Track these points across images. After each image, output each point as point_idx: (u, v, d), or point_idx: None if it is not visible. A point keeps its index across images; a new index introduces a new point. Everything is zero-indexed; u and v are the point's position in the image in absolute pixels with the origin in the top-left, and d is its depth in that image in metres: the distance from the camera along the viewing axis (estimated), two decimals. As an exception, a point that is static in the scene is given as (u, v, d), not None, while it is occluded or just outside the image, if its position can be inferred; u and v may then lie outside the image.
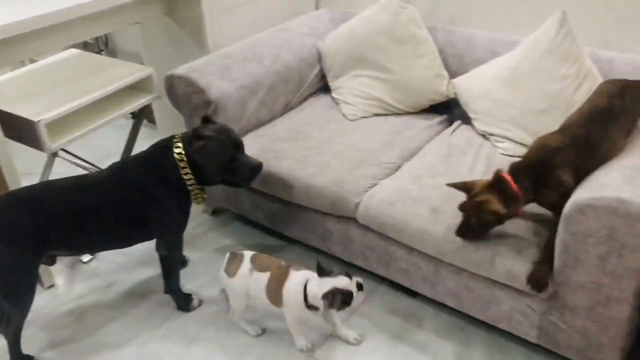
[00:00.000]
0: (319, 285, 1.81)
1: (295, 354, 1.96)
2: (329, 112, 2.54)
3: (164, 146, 1.95)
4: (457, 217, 1.84)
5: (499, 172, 1.73)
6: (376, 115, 2.50)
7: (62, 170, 2.96)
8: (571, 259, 1.62)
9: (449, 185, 1.82)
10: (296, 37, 2.62)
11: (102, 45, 3.59)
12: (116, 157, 2.75)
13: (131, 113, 2.54)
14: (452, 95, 2.41)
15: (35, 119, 2.06)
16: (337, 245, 2.18)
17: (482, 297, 1.86)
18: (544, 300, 1.73)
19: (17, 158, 3.04)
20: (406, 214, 1.92)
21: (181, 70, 2.30)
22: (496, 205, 1.67)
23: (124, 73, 2.42)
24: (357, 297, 1.81)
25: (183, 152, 1.91)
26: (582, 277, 1.62)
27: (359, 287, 1.83)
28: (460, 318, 2.05)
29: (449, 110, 2.49)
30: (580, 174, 1.67)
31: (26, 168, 3.05)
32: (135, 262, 2.39)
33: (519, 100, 2.14)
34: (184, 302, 2.14)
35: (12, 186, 2.07)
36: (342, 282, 1.80)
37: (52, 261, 1.97)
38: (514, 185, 1.69)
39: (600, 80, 2.05)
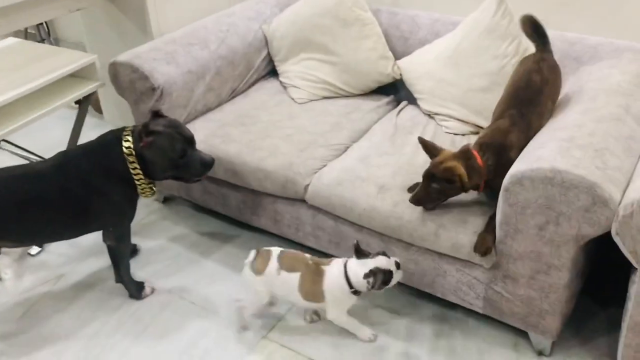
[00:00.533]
0: (359, 268, 1.80)
1: (246, 337, 1.97)
2: (277, 96, 2.54)
3: (113, 138, 1.91)
4: (403, 194, 1.89)
5: (467, 146, 1.79)
6: (324, 98, 2.52)
7: (7, 161, 2.90)
8: (511, 230, 1.68)
9: (420, 139, 1.84)
10: (241, 21, 2.61)
11: (44, 35, 3.50)
12: (63, 148, 2.70)
13: (76, 102, 2.49)
14: (397, 77, 2.45)
15: (-27, 109, 2.01)
16: (288, 227, 2.20)
17: (430, 271, 1.92)
18: (487, 271, 1.79)
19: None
20: (354, 192, 1.95)
21: (125, 56, 2.27)
22: (463, 172, 1.71)
23: (66, 61, 2.37)
24: (396, 275, 1.82)
25: (132, 146, 1.88)
26: (522, 247, 1.69)
27: (397, 265, 1.82)
28: (410, 294, 2.10)
29: (395, 91, 2.53)
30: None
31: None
32: (84, 253, 2.36)
33: (460, 79, 2.19)
34: (136, 290, 2.12)
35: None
36: (381, 261, 1.80)
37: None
38: (479, 160, 1.75)
39: (537, 57, 2.11)
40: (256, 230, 2.39)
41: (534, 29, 1.95)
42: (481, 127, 2.19)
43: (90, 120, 3.30)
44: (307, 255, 1.91)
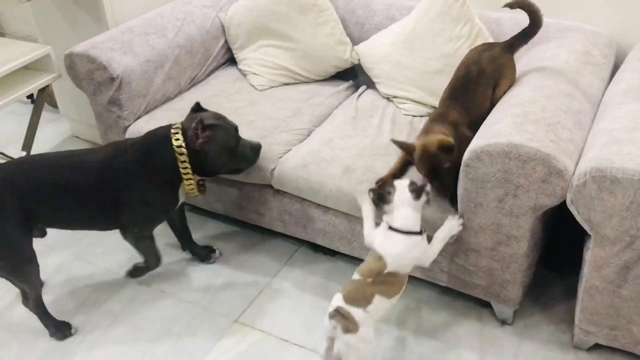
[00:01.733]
0: (405, 202, 1.67)
1: (217, 322, 1.99)
2: (237, 83, 2.55)
3: (161, 137, 1.88)
4: (367, 174, 1.94)
5: (427, 126, 1.89)
6: (284, 84, 2.54)
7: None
8: (472, 204, 1.75)
9: (393, 141, 1.88)
10: (197, 9, 2.60)
11: (-9, 28, 3.40)
12: (17, 144, 2.65)
13: (28, 96, 2.44)
14: (355, 62, 2.49)
15: None
16: (254, 213, 2.22)
17: (395, 248, 1.97)
18: (450, 245, 1.86)
19: None
20: (320, 175, 1.99)
21: (81, 47, 2.24)
22: (447, 137, 1.76)
23: (19, 52, 2.33)
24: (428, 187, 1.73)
25: (183, 144, 1.84)
26: (483, 220, 1.76)
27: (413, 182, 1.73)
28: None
29: (354, 76, 2.58)
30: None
31: None
32: (48, 247, 2.32)
33: (416, 62, 2.25)
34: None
35: None
36: (404, 183, 1.71)
37: (43, 233, 1.96)
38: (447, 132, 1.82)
39: (489, 39, 2.19)
40: (222, 217, 2.40)
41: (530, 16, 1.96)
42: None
43: (45, 114, 3.24)
44: (357, 276, 1.71)
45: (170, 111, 2.37)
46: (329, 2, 2.49)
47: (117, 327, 1.99)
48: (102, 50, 2.23)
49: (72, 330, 1.97)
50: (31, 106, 2.60)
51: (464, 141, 1.76)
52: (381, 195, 1.71)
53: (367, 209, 1.79)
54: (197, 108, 1.96)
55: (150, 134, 1.94)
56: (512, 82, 1.97)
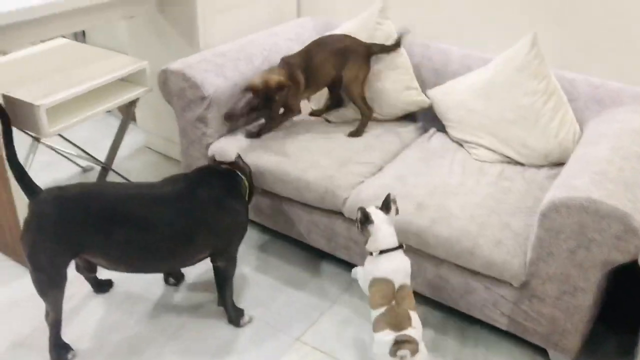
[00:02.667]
0: (383, 222, 1.87)
1: (280, 339, 2.07)
2: (314, 120, 2.68)
3: (224, 169, 2.08)
4: (440, 212, 2.03)
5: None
6: (355, 120, 2.66)
7: (39, 158, 2.99)
8: (544, 253, 1.82)
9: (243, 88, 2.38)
10: (283, 41, 2.76)
11: (80, 37, 3.60)
12: (91, 149, 2.80)
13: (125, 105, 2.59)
14: (425, 106, 2.60)
15: (37, 103, 2.10)
16: (321, 237, 2.32)
17: (459, 288, 2.05)
18: (515, 290, 1.93)
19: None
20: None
21: (177, 65, 2.39)
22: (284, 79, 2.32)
23: (118, 64, 2.48)
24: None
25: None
26: (552, 269, 1.83)
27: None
28: (435, 308, 2.23)
29: (423, 119, 2.69)
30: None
31: None
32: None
33: (491, 111, 2.35)
34: (235, 316, 2.12)
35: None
36: (373, 207, 1.91)
37: (92, 269, 1.93)
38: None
39: (564, 97, 2.29)
40: (286, 238, 2.50)
41: None
42: (508, 157, 2.36)
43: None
44: (381, 310, 1.81)
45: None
46: (403, 49, 2.61)
47: (182, 340, 2.08)
48: (197, 71, 2.38)
49: (69, 355, 1.95)
50: (106, 114, 2.75)
51: (296, 81, 2.38)
52: (366, 214, 1.88)
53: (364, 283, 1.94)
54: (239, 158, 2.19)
55: (211, 168, 2.09)
56: (357, 70, 2.50)
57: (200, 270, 2.36)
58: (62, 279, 1.81)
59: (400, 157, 2.41)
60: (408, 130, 2.62)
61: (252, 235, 2.59)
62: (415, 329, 1.76)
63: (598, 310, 2.02)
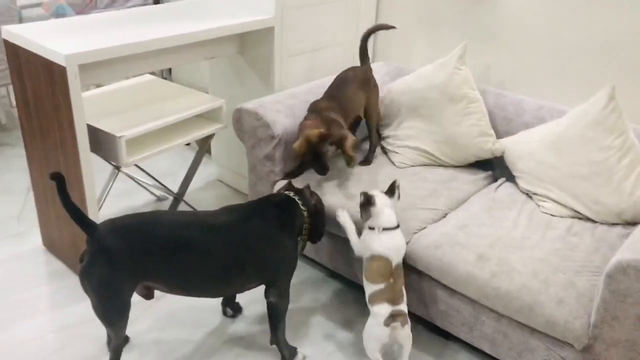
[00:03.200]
0: (385, 204, 2.07)
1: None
2: (379, 158, 2.70)
3: (285, 197, 2.13)
4: (502, 266, 1.98)
5: (301, 125, 2.37)
6: (423, 165, 2.66)
7: (116, 185, 3.16)
8: (609, 316, 1.73)
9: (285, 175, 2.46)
10: (355, 85, 2.81)
11: (166, 75, 3.82)
12: (168, 179, 2.93)
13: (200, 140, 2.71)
14: (497, 154, 2.56)
15: (118, 135, 2.25)
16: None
17: (518, 345, 1.97)
18: (577, 353, 1.84)
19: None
20: (453, 257, 2.05)
21: (251, 105, 2.49)
22: (321, 131, 2.26)
23: (197, 102, 2.62)
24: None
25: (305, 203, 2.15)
26: (618, 334, 1.74)
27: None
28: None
29: (492, 167, 2.65)
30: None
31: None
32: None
33: (562, 164, 2.29)
34: (289, 355, 2.14)
35: (90, 199, 2.25)
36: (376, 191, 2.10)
37: (150, 294, 1.99)
38: (314, 121, 2.33)
39: (642, 154, 2.21)
40: (342, 278, 2.51)
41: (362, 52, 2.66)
42: (578, 212, 2.28)
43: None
44: (380, 286, 1.99)
45: (312, 173, 2.54)
46: (479, 96, 2.60)
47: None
48: (268, 110, 2.47)
49: None
50: (185, 147, 2.88)
51: (331, 121, 2.33)
52: (369, 197, 2.05)
53: (350, 225, 2.16)
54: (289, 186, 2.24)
55: (272, 196, 2.15)
56: (377, 96, 2.68)
57: (257, 306, 2.39)
58: (127, 307, 1.87)
59: (466, 205, 2.38)
60: (477, 178, 2.59)
61: (308, 272, 2.62)
62: (404, 304, 1.99)
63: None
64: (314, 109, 2.44)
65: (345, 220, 2.18)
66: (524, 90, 2.72)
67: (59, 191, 1.73)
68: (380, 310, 1.96)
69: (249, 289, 2.05)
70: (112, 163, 2.72)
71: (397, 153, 2.70)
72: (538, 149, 2.38)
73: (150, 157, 2.40)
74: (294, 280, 2.47)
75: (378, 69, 2.99)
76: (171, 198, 2.90)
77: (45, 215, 2.59)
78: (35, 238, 2.75)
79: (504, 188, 2.50)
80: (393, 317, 1.93)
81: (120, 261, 1.78)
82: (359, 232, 2.14)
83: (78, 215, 1.76)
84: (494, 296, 1.95)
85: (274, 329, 2.11)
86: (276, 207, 2.07)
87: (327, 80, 2.76)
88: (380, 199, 2.07)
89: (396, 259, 2.02)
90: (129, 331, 2.23)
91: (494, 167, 2.65)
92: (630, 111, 2.33)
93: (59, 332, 2.23)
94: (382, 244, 2.02)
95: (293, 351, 2.14)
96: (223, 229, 1.93)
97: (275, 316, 2.09)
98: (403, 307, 1.98)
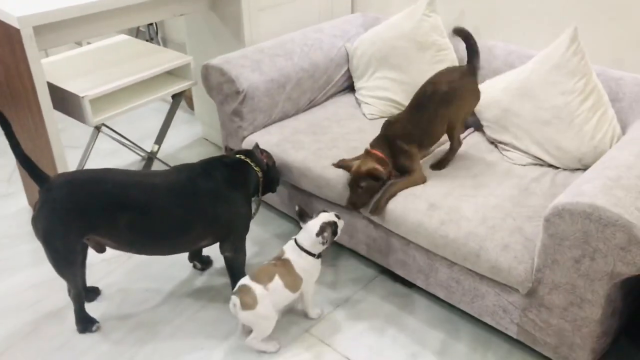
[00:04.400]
0: (307, 234, 2.01)
1: (292, 328, 2.12)
2: (351, 110, 2.70)
3: (237, 159, 2.16)
4: (451, 214, 1.98)
5: (367, 149, 2.17)
6: (394, 116, 2.64)
7: (106, 145, 3.24)
8: (549, 259, 1.73)
9: (335, 165, 2.22)
10: (327, 37, 2.79)
11: (152, 34, 3.84)
12: (154, 138, 2.99)
13: (172, 96, 2.75)
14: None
15: (81, 94, 2.30)
16: (343, 233, 2.34)
17: (470, 291, 1.99)
18: (523, 297, 1.85)
19: (65, 132, 3.33)
20: (405, 207, 2.06)
21: (216, 60, 2.50)
22: (379, 167, 2.09)
23: (165, 59, 2.64)
24: (340, 224, 2.06)
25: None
26: (558, 278, 1.73)
27: (337, 216, 2.07)
28: (449, 311, 2.18)
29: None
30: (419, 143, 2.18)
31: (73, 141, 3.34)
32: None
33: (525, 111, 2.25)
34: None
35: (57, 156, 2.32)
36: (324, 217, 2.04)
37: (101, 249, 2.02)
38: (381, 154, 2.13)
39: (604, 97, 2.15)
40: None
41: (466, 43, 2.27)
42: (540, 159, 2.25)
43: (183, 116, 3.62)
44: (265, 263, 2.04)
45: (285, 128, 2.56)
46: (449, 43, 2.56)
47: (198, 322, 2.18)
48: (233, 66, 2.48)
49: (94, 328, 2.10)
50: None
51: (401, 152, 2.14)
52: (302, 214, 2.06)
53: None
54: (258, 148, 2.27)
55: (219, 159, 2.14)
56: (471, 103, 2.28)
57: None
58: (75, 257, 1.94)
59: (431, 157, 2.37)
60: (447, 128, 2.56)
61: (275, 224, 2.67)
62: (266, 292, 1.93)
63: (618, 326, 1.88)
64: (388, 132, 2.18)
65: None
66: (498, 35, 2.66)
67: (8, 139, 1.79)
68: (241, 280, 1.99)
69: (203, 246, 2.12)
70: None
71: (368, 104, 2.69)
72: (503, 97, 2.34)
73: (116, 116, 2.45)
74: (265, 235, 2.53)
75: (353, 20, 2.96)
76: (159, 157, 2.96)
77: (27, 176, 2.67)
78: (22, 199, 2.86)
79: (471, 138, 2.48)
80: (240, 290, 1.94)
81: (64, 213, 1.84)
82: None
83: (29, 165, 1.84)
84: (442, 244, 1.96)
85: (233, 281, 2.16)
86: (226, 167, 2.09)
87: (299, 35, 2.75)
88: (310, 224, 2.03)
89: (288, 254, 2.03)
90: (102, 284, 2.33)
91: (468, 116, 2.62)
92: (599, 53, 2.26)
93: (36, 287, 2.34)
94: (291, 243, 2.06)
95: None
96: (167, 188, 1.95)
97: (232, 269, 2.15)
98: (257, 287, 1.93)
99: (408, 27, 2.56)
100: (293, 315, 2.18)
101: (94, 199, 1.86)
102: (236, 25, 2.77)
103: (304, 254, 2.02)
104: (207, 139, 3.39)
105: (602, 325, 1.75)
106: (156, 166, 2.96)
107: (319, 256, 2.04)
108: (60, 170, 2.34)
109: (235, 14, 2.74)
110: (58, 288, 2.29)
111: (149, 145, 2.97)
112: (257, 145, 2.26)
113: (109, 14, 2.40)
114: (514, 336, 1.95)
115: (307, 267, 2.03)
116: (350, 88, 2.89)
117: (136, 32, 3.99)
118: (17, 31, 2.08)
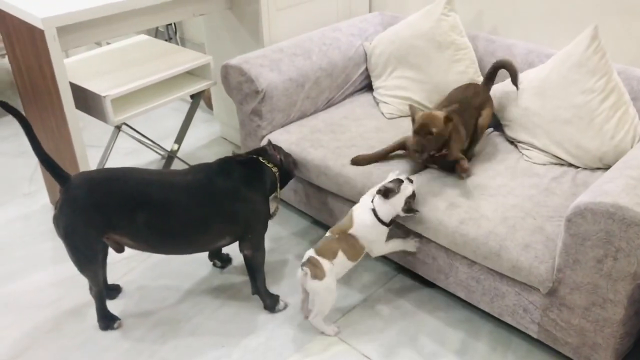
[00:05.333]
0: (392, 204, 2.01)
1: (309, 326, 2.12)
2: (369, 109, 2.70)
3: (252, 158, 2.16)
4: (471, 213, 1.98)
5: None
6: (413, 115, 2.64)
7: (124, 144, 3.27)
8: (571, 259, 1.72)
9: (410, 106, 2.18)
10: (345, 37, 2.80)
11: (172, 34, 3.87)
12: (173, 137, 3.01)
13: (191, 97, 2.77)
14: (486, 102, 2.51)
15: (103, 94, 2.32)
16: (362, 232, 2.34)
17: (490, 290, 1.98)
18: (544, 297, 1.84)
19: (86, 131, 3.37)
20: (425, 206, 2.06)
21: (235, 60, 2.52)
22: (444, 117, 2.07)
23: (185, 59, 2.66)
24: (410, 187, 2.05)
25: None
26: (580, 278, 1.73)
27: (410, 180, 2.07)
28: (469, 310, 2.18)
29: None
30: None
31: (94, 140, 3.37)
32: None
33: (545, 110, 2.24)
34: (271, 303, 2.20)
35: (79, 155, 2.34)
36: (404, 187, 2.03)
37: (120, 249, 2.02)
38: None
39: (625, 95, 2.13)
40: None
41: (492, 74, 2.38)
42: (560, 159, 2.23)
43: (202, 115, 3.65)
44: (328, 234, 2.08)
45: (304, 127, 2.57)
46: (467, 42, 2.55)
47: (218, 320, 2.20)
48: (252, 65, 2.49)
49: (116, 325, 2.12)
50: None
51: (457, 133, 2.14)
52: (388, 191, 2.01)
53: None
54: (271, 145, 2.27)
55: (234, 158, 2.13)
56: (492, 111, 2.35)
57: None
58: (95, 255, 1.97)
59: (449, 154, 2.36)
60: (466, 127, 2.55)
61: (293, 222, 2.68)
62: (332, 266, 1.99)
63: (641, 327, 1.87)
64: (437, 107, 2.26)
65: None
66: (517, 34, 2.65)
67: (29, 139, 1.82)
68: (306, 252, 2.04)
69: (222, 245, 2.13)
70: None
71: (386, 104, 2.69)
72: (523, 96, 2.33)
73: (137, 115, 2.47)
74: (283, 232, 2.54)
75: (371, 19, 2.96)
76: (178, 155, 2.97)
77: (49, 175, 2.71)
78: (44, 197, 2.90)
79: (490, 138, 2.47)
80: (308, 262, 1.99)
81: (84, 212, 1.87)
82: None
83: (50, 165, 1.87)
84: (462, 243, 1.95)
85: (253, 280, 2.18)
86: (242, 165, 2.10)
87: (317, 34, 2.75)
88: (396, 199, 2.02)
89: (356, 231, 2.05)
90: (122, 281, 2.36)
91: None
92: (620, 52, 2.24)
93: (58, 285, 2.37)
94: (361, 213, 2.06)
95: (275, 299, 2.21)
96: (185, 187, 1.97)
97: (252, 268, 2.15)
98: (324, 262, 1.98)
99: (427, 26, 2.56)
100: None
101: (113, 198, 1.89)
102: (255, 25, 2.78)
103: (377, 223, 2.04)
104: (225, 139, 3.40)
105: (625, 325, 1.74)
106: (176, 165, 2.98)
107: (388, 224, 2.06)
108: (82, 169, 2.37)
109: (254, 14, 2.75)
110: (79, 286, 2.32)
111: (168, 144, 2.99)
112: (269, 142, 2.26)
113: (130, 15, 2.42)
114: (535, 336, 1.94)
115: (375, 237, 2.07)
116: (368, 87, 2.89)
117: (155, 32, 4.02)
118: (41, 32, 2.11)
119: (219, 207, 2.00)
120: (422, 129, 2.07)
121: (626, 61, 2.30)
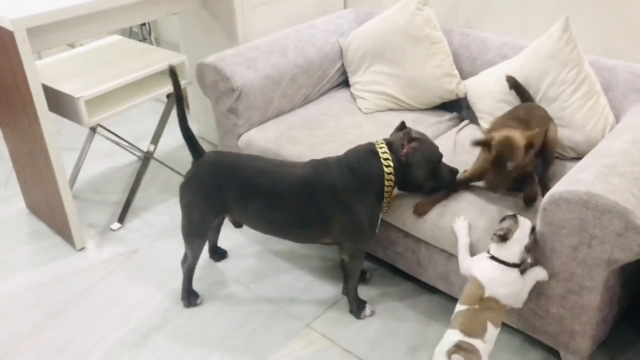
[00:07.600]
0: (512, 245, 1.73)
1: (293, 322, 2.13)
2: (346, 105, 2.70)
3: (368, 151, 1.95)
4: (451, 205, 1.99)
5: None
6: (389, 110, 2.65)
7: (100, 146, 3.24)
8: (547, 248, 1.74)
9: (475, 143, 1.92)
10: (320, 33, 2.79)
11: (146, 35, 3.84)
12: (150, 138, 2.99)
13: (167, 96, 2.75)
14: (461, 95, 2.53)
15: (77, 95, 2.29)
16: (342, 227, 2.34)
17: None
18: (522, 286, 1.86)
19: (61, 134, 3.33)
20: (403, 199, 2.06)
21: (210, 59, 2.50)
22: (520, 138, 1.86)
23: (159, 59, 2.64)
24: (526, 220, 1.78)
25: (390, 157, 1.92)
26: (556, 266, 1.75)
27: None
28: (448, 300, 2.19)
29: (459, 109, 2.63)
30: None
31: (69, 143, 3.33)
32: (158, 233, 2.61)
33: (518, 102, 2.26)
34: (357, 308, 2.15)
35: (54, 158, 2.31)
36: (523, 225, 1.75)
37: (239, 225, 2.18)
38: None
39: (596, 86, 2.16)
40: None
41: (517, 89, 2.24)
42: (536, 150, 2.25)
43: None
44: (463, 307, 1.75)
45: (281, 124, 2.56)
46: (442, 36, 2.56)
47: (199, 316, 2.20)
48: (227, 63, 2.48)
49: (198, 301, 2.22)
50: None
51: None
52: (505, 236, 1.73)
53: (464, 240, 1.88)
54: (402, 126, 2.03)
55: (355, 150, 1.99)
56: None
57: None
58: (206, 231, 2.09)
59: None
60: (441, 120, 2.57)
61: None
62: (485, 344, 1.67)
63: (617, 313, 1.90)
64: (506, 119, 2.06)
65: (460, 230, 1.89)
66: (491, 27, 2.67)
67: (178, 111, 1.99)
68: (449, 336, 1.69)
69: (325, 244, 2.07)
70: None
71: (363, 99, 2.70)
72: (497, 88, 2.35)
73: (112, 116, 2.45)
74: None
75: (346, 15, 2.96)
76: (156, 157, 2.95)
77: (24, 179, 2.68)
78: (19, 201, 2.86)
79: (466, 130, 2.48)
80: (459, 348, 1.65)
81: (205, 193, 1.99)
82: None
83: (190, 141, 2.02)
84: (441, 236, 1.96)
85: (345, 281, 2.15)
86: (358, 164, 1.93)
87: (292, 31, 2.75)
88: (518, 234, 1.74)
89: (491, 290, 1.72)
90: (103, 282, 2.34)
91: (462, 109, 2.63)
92: (592, 43, 2.27)
93: (36, 289, 2.34)
94: (482, 268, 1.76)
95: (362, 305, 2.15)
96: (291, 182, 1.95)
97: (346, 271, 2.10)
98: (477, 343, 1.66)
99: (401, 21, 2.57)
100: (293, 310, 2.19)
101: (233, 185, 1.97)
102: (229, 23, 2.77)
103: (505, 268, 1.74)
104: (203, 138, 3.38)
105: (601, 312, 1.76)
106: (152, 166, 2.96)
107: (519, 265, 1.76)
108: (57, 173, 2.34)
109: (228, 12, 2.74)
110: (56, 290, 2.29)
111: (145, 146, 2.97)
112: (407, 131, 1.94)
113: (102, 15, 2.40)
114: (514, 325, 1.96)
115: (514, 287, 1.75)
116: (345, 83, 2.89)
117: (129, 33, 3.99)
118: (11, 33, 2.08)
119: (314, 208, 1.93)
120: (499, 160, 1.84)
121: (598, 52, 2.33)
